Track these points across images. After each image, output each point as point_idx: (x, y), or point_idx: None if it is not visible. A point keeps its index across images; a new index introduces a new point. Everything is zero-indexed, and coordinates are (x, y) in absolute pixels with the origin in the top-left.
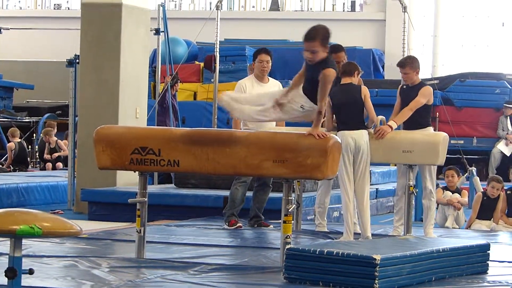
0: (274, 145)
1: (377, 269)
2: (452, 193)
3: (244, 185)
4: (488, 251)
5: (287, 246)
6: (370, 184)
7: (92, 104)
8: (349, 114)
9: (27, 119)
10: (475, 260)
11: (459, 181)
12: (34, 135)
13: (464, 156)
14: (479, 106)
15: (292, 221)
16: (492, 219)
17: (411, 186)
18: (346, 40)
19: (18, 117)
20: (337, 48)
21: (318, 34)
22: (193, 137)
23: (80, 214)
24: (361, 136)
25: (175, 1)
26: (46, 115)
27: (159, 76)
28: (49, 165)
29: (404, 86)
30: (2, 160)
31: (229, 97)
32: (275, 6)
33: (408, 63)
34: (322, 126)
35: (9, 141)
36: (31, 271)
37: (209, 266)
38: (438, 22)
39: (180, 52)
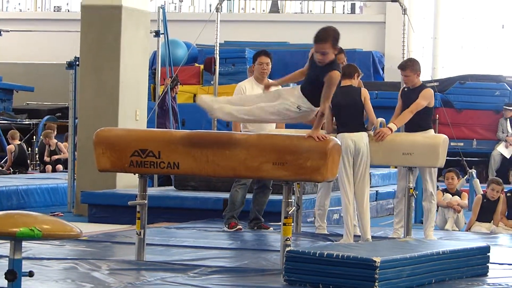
0: (274, 147)
1: (377, 271)
2: (452, 196)
3: (244, 187)
4: (488, 254)
5: (287, 249)
6: (370, 186)
7: (92, 106)
8: (349, 117)
9: (27, 121)
10: (475, 262)
11: (459, 184)
12: (34, 137)
13: (464, 158)
14: (479, 108)
15: (292, 223)
16: (492, 221)
17: (411, 188)
18: (346, 43)
19: (18, 119)
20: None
21: (329, 35)
22: (193, 139)
23: (80, 217)
24: (361, 138)
25: (175, 3)
26: (46, 117)
27: (159, 78)
28: (49, 167)
29: (406, 89)
30: (2, 162)
31: (209, 98)
32: (275, 8)
33: (409, 66)
34: (322, 129)
35: (9, 143)
36: (31, 274)
37: (209, 269)
38: (438, 24)
39: (180, 54)
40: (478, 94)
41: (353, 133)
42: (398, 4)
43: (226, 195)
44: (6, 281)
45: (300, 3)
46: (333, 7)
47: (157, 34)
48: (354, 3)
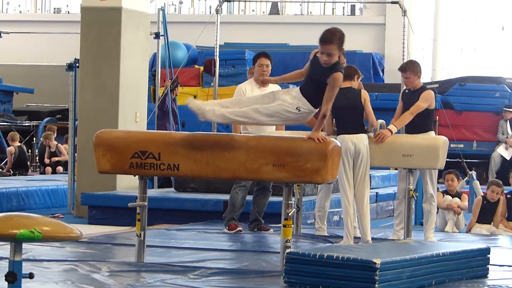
0: (274, 149)
1: (377, 273)
2: (452, 197)
3: (244, 189)
4: (488, 255)
5: (287, 250)
6: (370, 188)
7: (92, 108)
8: (349, 118)
9: (27, 123)
10: (475, 264)
11: (459, 185)
12: (34, 139)
13: (464, 160)
14: (479, 110)
15: (292, 225)
16: (492, 223)
17: (411, 190)
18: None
19: (18, 121)
20: None
21: (335, 37)
22: (193, 141)
23: (80, 218)
24: (361, 140)
25: (175, 5)
26: (46, 119)
27: (159, 80)
28: (49, 169)
29: (406, 90)
30: (2, 164)
31: (199, 101)
32: (275, 10)
33: (409, 68)
34: (322, 130)
35: (9, 145)
36: (31, 275)
37: (209, 270)
38: (438, 26)
39: (180, 56)
40: (478, 96)
41: (353, 135)
42: (398, 5)
43: (226, 196)
44: (6, 283)
45: (300, 5)
46: (333, 9)
47: (157, 36)
48: (354, 5)
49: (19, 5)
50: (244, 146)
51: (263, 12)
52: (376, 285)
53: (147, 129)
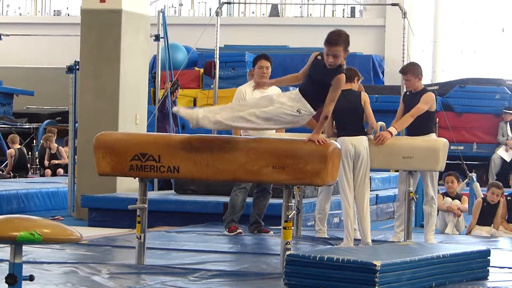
0: (274, 151)
1: (377, 275)
2: (452, 199)
3: (244, 191)
4: (488, 257)
5: (287, 252)
6: (370, 190)
7: (92, 110)
8: (349, 120)
9: (27, 126)
10: (476, 266)
11: (459, 187)
12: (34, 141)
13: (464, 162)
14: (479, 112)
15: (292, 227)
16: (492, 225)
17: (411, 192)
18: None
19: (18, 124)
20: None
21: (342, 39)
22: (193, 143)
23: (80, 220)
24: (361, 142)
25: (175, 7)
26: (46, 121)
27: (159, 82)
28: (48, 171)
29: (408, 93)
30: (2, 166)
31: (190, 109)
32: (275, 12)
33: (410, 70)
34: (322, 132)
35: (9, 148)
36: (31, 278)
37: (209, 272)
38: (438, 28)
39: (180, 58)
40: (478, 98)
41: (353, 137)
42: (398, 7)
43: (226, 199)
44: (7, 285)
45: (300, 7)
46: (333, 11)
47: (157, 38)
48: (354, 7)
49: (19, 8)
50: (244, 148)
51: (263, 14)
52: (376, 287)
53: (147, 131)
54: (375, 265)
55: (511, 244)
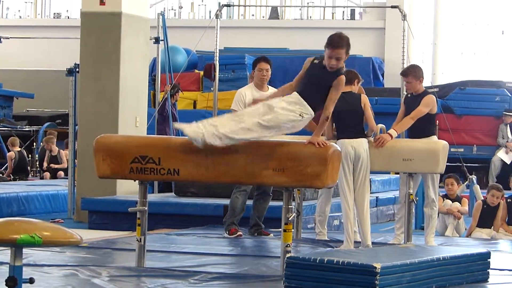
0: (274, 154)
1: (378, 277)
2: (453, 202)
3: (244, 193)
4: (488, 259)
5: (288, 255)
6: (370, 193)
7: (92, 112)
8: (349, 123)
9: (27, 128)
10: (476, 268)
11: (459, 189)
12: (34, 144)
13: (464, 164)
14: (479, 114)
15: (292, 230)
16: (492, 227)
17: (411, 194)
18: None
19: (18, 126)
20: None
21: (344, 41)
22: (193, 146)
23: (80, 223)
24: (361, 144)
25: (175, 10)
26: (46, 124)
27: (159, 85)
28: (47, 174)
29: (409, 95)
30: (2, 169)
31: (192, 126)
32: (274, 15)
33: (411, 72)
34: (322, 135)
35: (9, 150)
36: (31, 280)
37: (210, 275)
38: (438, 30)
39: (180, 61)
40: (478, 100)
41: (353, 139)
42: (397, 10)
43: (226, 201)
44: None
45: (300, 9)
46: (332, 13)
47: (157, 40)
48: (354, 9)
49: (19, 10)
50: (244, 151)
51: (263, 17)
52: None
53: (147, 133)
54: (375, 268)
55: (511, 247)
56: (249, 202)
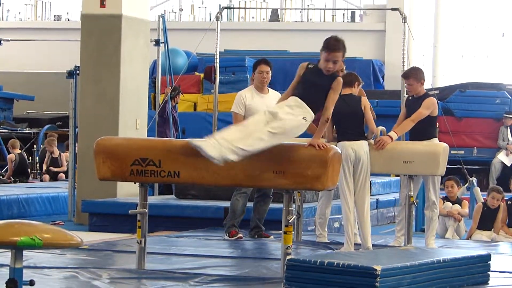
0: (275, 156)
1: (378, 279)
2: (453, 204)
3: (245, 196)
4: (489, 262)
5: (288, 257)
6: (371, 195)
7: (92, 115)
8: (349, 125)
9: (27, 130)
10: (476, 270)
11: (460, 192)
12: (35, 146)
13: (465, 167)
14: (479, 116)
15: (293, 232)
16: (492, 229)
17: (411, 196)
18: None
19: (19, 129)
20: None
21: (341, 44)
22: (194, 148)
23: (81, 225)
24: (361, 146)
25: (175, 12)
26: (46, 126)
27: (159, 87)
28: (46, 176)
29: (410, 97)
30: (2, 171)
31: (210, 144)
32: (275, 17)
33: (412, 74)
34: (322, 137)
35: (9, 153)
36: (32, 283)
37: (210, 277)
38: (438, 33)
39: (180, 63)
40: (479, 102)
41: (353, 142)
42: (398, 12)
43: (226, 203)
44: None
45: (300, 12)
46: (333, 16)
47: (157, 43)
48: (354, 12)
49: (19, 13)
50: None
51: (263, 19)
52: None
53: (147, 136)
54: (376, 270)
55: (511, 249)
56: (250, 204)
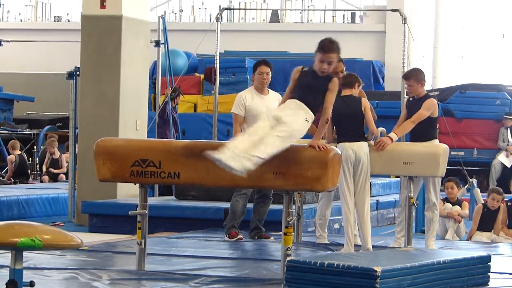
0: (275, 157)
1: (378, 281)
2: (453, 205)
3: (245, 197)
4: (489, 263)
5: (288, 258)
6: (371, 196)
7: (92, 116)
8: (349, 126)
9: (27, 131)
10: (476, 272)
11: (460, 193)
12: (35, 147)
13: (465, 168)
14: (480, 118)
15: (293, 233)
16: (492, 230)
17: (412, 197)
18: (346, 52)
19: (19, 129)
20: None
21: (335, 46)
22: (194, 149)
23: (81, 226)
24: (361, 148)
25: (175, 13)
26: (46, 127)
27: (159, 88)
28: (46, 178)
29: (411, 98)
30: (2, 172)
31: (228, 152)
32: (275, 18)
33: (413, 75)
34: (322, 138)
35: (9, 154)
36: (32, 284)
37: (210, 278)
38: (438, 34)
39: (180, 64)
40: (479, 103)
41: (353, 143)
42: (398, 13)
43: (226, 204)
44: None
45: (300, 13)
46: (333, 17)
47: (157, 44)
48: (354, 13)
49: (19, 14)
50: None
51: (263, 20)
52: None
53: (147, 137)
54: (376, 271)
55: (511, 250)
56: (250, 206)
